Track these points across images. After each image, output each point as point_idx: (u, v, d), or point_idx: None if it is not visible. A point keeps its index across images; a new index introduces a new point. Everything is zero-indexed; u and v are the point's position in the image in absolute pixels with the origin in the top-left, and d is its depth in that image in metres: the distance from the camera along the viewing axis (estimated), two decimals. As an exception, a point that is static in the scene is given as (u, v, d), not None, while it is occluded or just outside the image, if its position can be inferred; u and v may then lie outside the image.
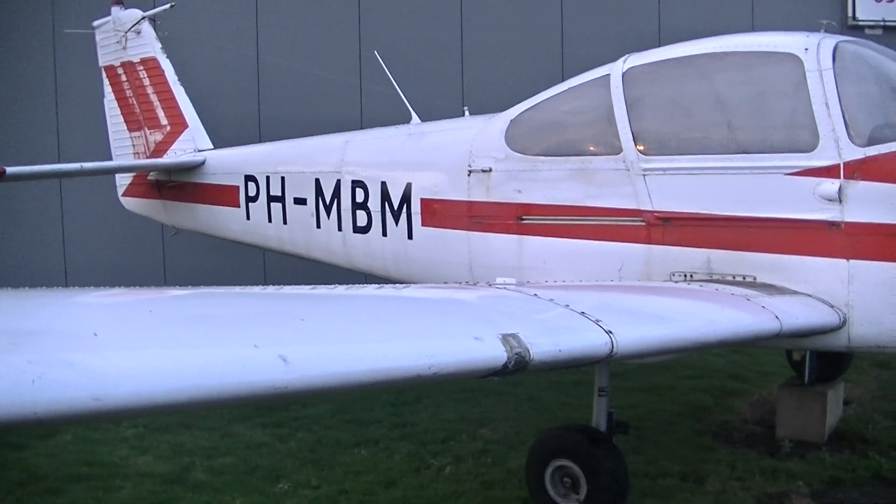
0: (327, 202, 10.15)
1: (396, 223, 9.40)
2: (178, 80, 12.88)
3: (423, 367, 4.00)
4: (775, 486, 8.36)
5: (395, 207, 9.39)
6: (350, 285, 5.88)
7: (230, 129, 14.26)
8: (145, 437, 9.85)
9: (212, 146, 12.54)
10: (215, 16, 17.40)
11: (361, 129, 11.42)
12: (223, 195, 11.67)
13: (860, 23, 17.99)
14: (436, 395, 11.17)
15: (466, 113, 10.54)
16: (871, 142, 6.80)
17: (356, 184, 9.85)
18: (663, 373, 12.27)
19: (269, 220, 11.00)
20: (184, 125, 12.75)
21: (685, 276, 7.46)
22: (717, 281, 7.28)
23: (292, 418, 10.45)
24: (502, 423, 10.21)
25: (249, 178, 11.24)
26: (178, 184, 12.40)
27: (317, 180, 10.29)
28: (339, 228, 10.07)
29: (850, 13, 18.12)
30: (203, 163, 12.05)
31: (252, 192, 11.20)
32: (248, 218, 11.33)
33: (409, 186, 9.30)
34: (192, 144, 12.61)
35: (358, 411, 10.66)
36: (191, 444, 9.61)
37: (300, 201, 10.56)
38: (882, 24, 18.15)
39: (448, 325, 4.78)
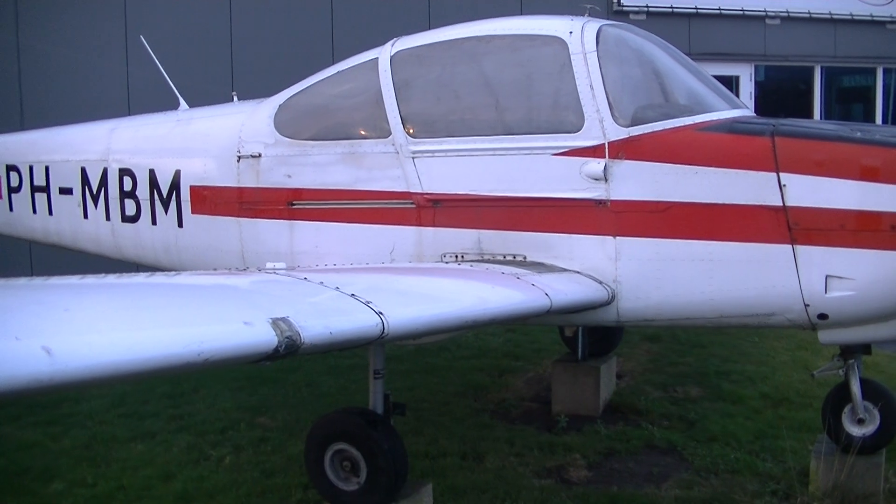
0: (94, 191, 9.83)
1: (166, 211, 9.19)
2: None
3: (192, 353, 3.94)
4: (553, 459, 8.60)
5: (165, 195, 9.17)
6: (121, 274, 5.75)
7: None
8: None
9: (-31, 135, 12.02)
10: (-28, -3, 16.70)
11: (129, 115, 11.17)
12: (-17, 187, 11.22)
13: (625, 8, 18.53)
14: (213, 385, 11.02)
15: (235, 98, 10.41)
16: (635, 122, 7.04)
17: (123, 172, 9.57)
18: (440, 354, 12.42)
19: (34, 212, 10.59)
20: (-61, 114, 12.20)
21: (456, 256, 7.56)
22: (488, 261, 7.40)
23: (65, 415, 10.14)
24: (281, 410, 10.17)
25: (11, 167, 10.78)
26: (-66, 175, 11.82)
27: (82, 169, 9.96)
28: (108, 218, 9.77)
29: (615, -1, 18.65)
30: (-40, 153, 11.52)
31: (14, 183, 10.76)
32: (10, 209, 10.88)
33: (178, 174, 9.10)
34: (-53, 134, 12.05)
35: (134, 405, 10.44)
36: (-44, 448, 9.26)
37: (66, 191, 10.20)
38: (646, 9, 18.73)
39: (218, 311, 4.71)
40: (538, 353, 12.57)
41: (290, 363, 10.99)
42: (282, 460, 8.58)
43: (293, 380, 11.30)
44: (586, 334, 10.32)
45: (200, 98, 10.55)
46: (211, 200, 8.89)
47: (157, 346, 3.88)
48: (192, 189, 9.03)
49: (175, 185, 9.12)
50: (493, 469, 8.35)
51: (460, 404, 10.35)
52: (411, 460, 7.29)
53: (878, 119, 20.81)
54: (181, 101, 10.47)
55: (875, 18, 20.18)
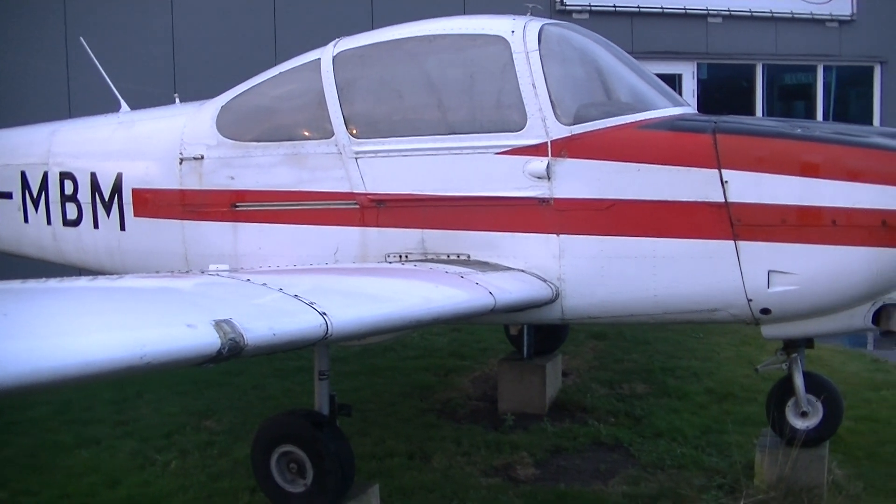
0: (34, 196, 9.71)
1: (108, 215, 9.10)
2: None
3: (134, 357, 3.90)
4: (500, 458, 8.60)
5: (107, 199, 9.08)
6: (62, 278, 5.67)
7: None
8: None
9: None
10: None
11: (69, 118, 11.06)
12: (-80, 192, 11.05)
13: (568, 7, 18.59)
14: (158, 389, 10.90)
15: (177, 100, 10.33)
16: (577, 120, 7.07)
17: (64, 175, 9.47)
18: (385, 354, 12.40)
19: (-27, 217, 10.49)
20: None
21: (400, 256, 7.55)
22: (432, 260, 7.41)
23: (8, 423, 9.97)
24: (227, 413, 10.10)
25: (-51, 173, 10.66)
26: None
27: (22, 173, 9.85)
28: (49, 222, 9.66)
29: (558, -1, 18.68)
30: None
31: (-48, 189, 10.64)
32: (-51, 215, 10.76)
33: (119, 177, 9.02)
34: None
35: (78, 411, 10.29)
36: None
37: (5, 195, 10.07)
38: (589, 8, 18.80)
39: (161, 313, 4.66)
40: (484, 352, 12.58)
41: (234, 366, 10.94)
42: (228, 464, 8.52)
43: (239, 383, 11.23)
44: (532, 333, 10.34)
45: (142, 100, 10.46)
46: (153, 203, 8.82)
47: (99, 350, 3.83)
48: (135, 192, 8.95)
49: (117, 188, 9.04)
50: (440, 469, 8.34)
51: (406, 404, 10.33)
52: (358, 461, 7.29)
53: (819, 116, 21.08)
54: (122, 103, 10.37)
55: (815, 17, 20.45)
